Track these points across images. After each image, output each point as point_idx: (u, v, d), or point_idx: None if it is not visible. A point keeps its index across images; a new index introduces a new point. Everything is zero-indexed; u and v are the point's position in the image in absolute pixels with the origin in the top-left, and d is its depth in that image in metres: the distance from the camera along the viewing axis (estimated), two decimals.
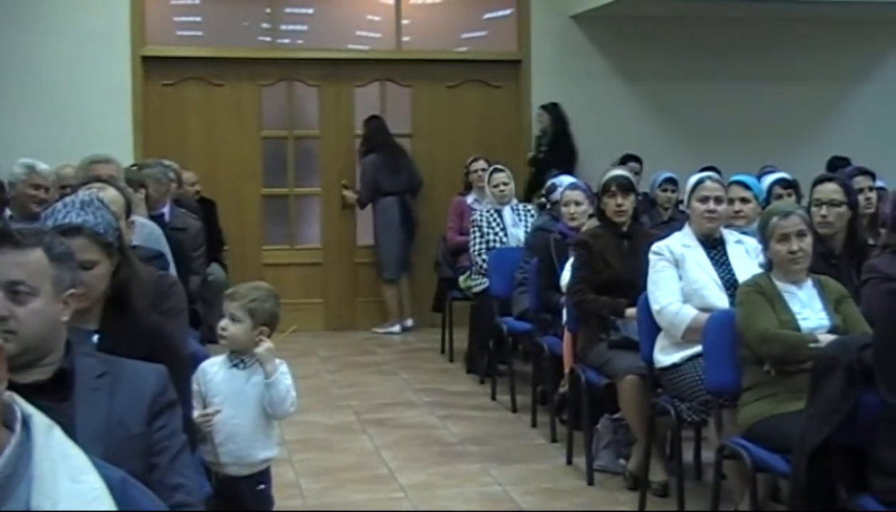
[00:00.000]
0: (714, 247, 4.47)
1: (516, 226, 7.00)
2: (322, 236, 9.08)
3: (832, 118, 9.56)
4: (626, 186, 4.99)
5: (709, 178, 4.53)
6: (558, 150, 8.63)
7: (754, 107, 9.30)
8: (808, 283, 3.83)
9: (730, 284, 4.34)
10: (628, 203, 4.98)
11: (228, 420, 3.34)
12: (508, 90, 9.14)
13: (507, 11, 9.25)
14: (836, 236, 4.38)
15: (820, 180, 4.60)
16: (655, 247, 4.48)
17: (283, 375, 3.40)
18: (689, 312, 4.27)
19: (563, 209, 5.92)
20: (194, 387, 3.31)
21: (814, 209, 4.44)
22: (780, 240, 3.75)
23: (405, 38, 9.12)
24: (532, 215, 7.05)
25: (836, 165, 7.74)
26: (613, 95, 9.14)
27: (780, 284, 3.79)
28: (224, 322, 3.37)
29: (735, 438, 3.69)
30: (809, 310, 3.77)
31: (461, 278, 7.27)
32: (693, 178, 4.57)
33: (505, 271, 6.47)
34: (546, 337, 5.64)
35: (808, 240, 3.77)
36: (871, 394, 3.12)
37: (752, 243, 4.49)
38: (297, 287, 8.72)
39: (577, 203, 5.86)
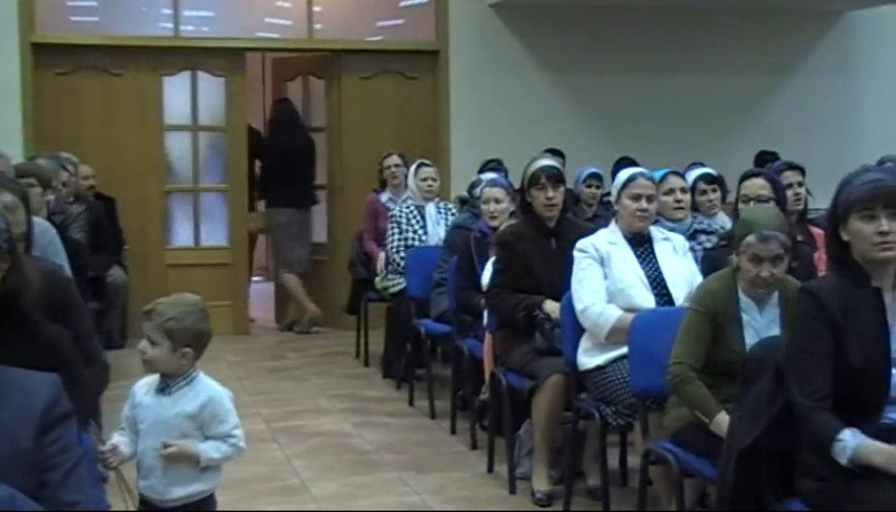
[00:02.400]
0: (641, 244, 4.47)
1: (439, 224, 7.00)
2: (229, 235, 8.99)
3: (760, 112, 9.73)
4: (556, 177, 4.87)
5: (641, 175, 4.49)
6: None
7: (680, 100, 9.44)
8: (773, 301, 3.68)
9: (656, 282, 4.38)
10: (559, 196, 4.88)
11: (149, 452, 3.16)
12: (426, 82, 9.14)
13: None
14: None
15: (747, 176, 4.67)
16: (580, 244, 4.47)
17: (216, 450, 3.18)
18: (614, 313, 4.29)
19: (483, 207, 5.90)
20: (125, 411, 3.20)
21: (741, 206, 4.50)
22: (751, 259, 3.59)
23: (317, 27, 9.05)
24: (454, 214, 7.06)
25: (765, 160, 7.89)
26: (535, 87, 9.19)
27: (742, 298, 3.65)
28: (143, 344, 3.16)
29: (662, 443, 3.72)
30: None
31: (377, 279, 7.25)
32: (623, 175, 4.52)
33: (423, 271, 6.46)
34: (466, 339, 5.65)
35: (783, 266, 3.58)
36: None
37: (680, 241, 4.55)
38: (202, 289, 8.45)
39: (498, 201, 5.84)
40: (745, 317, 3.64)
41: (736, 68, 9.56)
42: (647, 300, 4.30)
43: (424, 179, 7.07)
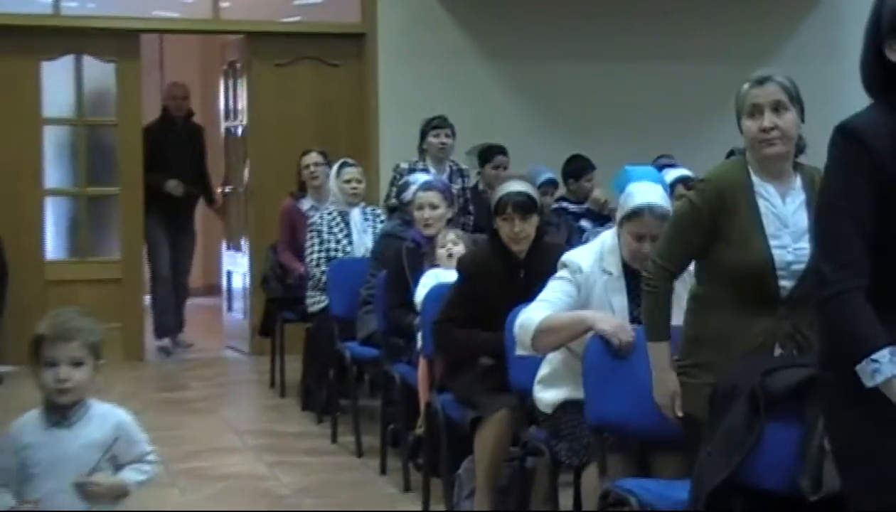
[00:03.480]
0: (639, 279, 3.99)
1: (365, 232, 7.00)
2: (122, 247, 8.91)
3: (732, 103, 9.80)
4: (525, 207, 4.70)
5: (649, 210, 4.00)
6: None
7: (642, 90, 9.48)
8: (797, 181, 3.60)
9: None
10: (528, 227, 4.72)
11: (56, 495, 3.11)
12: (350, 69, 9.13)
13: None
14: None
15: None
16: (567, 258, 4.20)
17: (140, 473, 3.22)
18: (540, 314, 4.05)
19: (417, 213, 5.89)
20: (8, 461, 3.13)
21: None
22: (750, 113, 3.54)
23: (224, 5, 9.02)
24: (382, 220, 7.06)
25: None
26: (476, 76, 9.21)
27: (756, 181, 3.54)
28: (63, 371, 3.10)
29: (622, 482, 3.72)
30: (791, 231, 3.52)
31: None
32: (629, 202, 4.05)
33: (347, 287, 6.44)
34: (397, 365, 5.62)
35: (790, 116, 3.51)
36: (778, 427, 3.19)
37: (687, 286, 4.05)
38: (90, 309, 8.44)
39: (433, 206, 5.83)
40: (762, 206, 3.53)
41: (706, 55, 9.63)
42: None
43: (348, 181, 7.05)
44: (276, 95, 9.00)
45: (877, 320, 2.55)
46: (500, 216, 4.73)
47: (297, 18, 9.29)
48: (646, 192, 4.05)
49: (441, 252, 5.53)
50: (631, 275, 4.07)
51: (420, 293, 5.29)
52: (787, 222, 3.54)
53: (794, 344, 3.49)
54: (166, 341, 9.13)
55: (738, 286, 3.50)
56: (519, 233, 4.71)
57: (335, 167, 7.19)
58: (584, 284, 4.10)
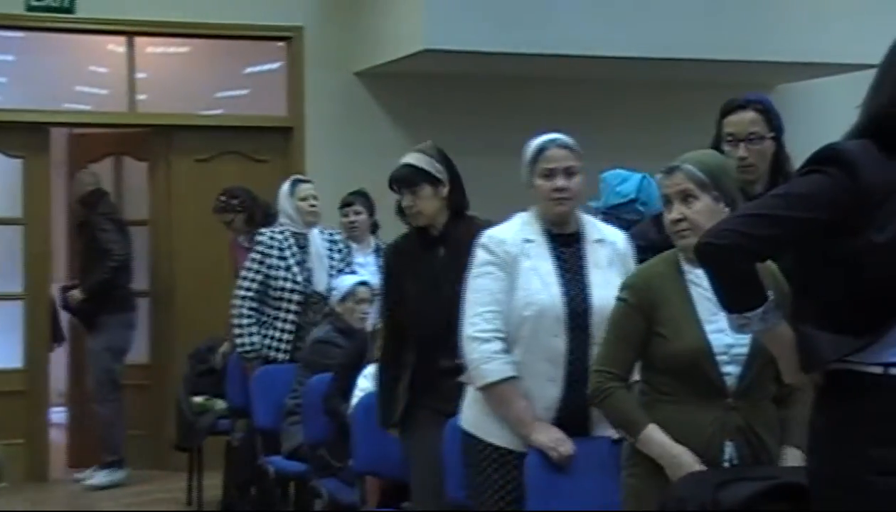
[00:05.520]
0: (567, 243, 4.10)
1: (326, 258, 6.62)
2: (25, 355, 8.62)
3: None
4: (408, 180, 4.56)
5: (553, 143, 4.09)
6: None
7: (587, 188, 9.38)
8: None
9: (577, 307, 3.99)
10: (420, 202, 4.56)
11: None
12: (276, 165, 8.93)
13: (276, 65, 9.16)
14: (757, 183, 4.16)
15: (731, 109, 4.32)
16: (483, 237, 4.11)
17: None
18: (499, 372, 3.95)
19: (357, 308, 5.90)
20: None
21: (727, 148, 4.16)
22: (665, 204, 3.55)
23: (140, 97, 8.84)
24: (347, 250, 6.75)
25: None
26: None
27: (687, 268, 3.50)
28: None
29: None
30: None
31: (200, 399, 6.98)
32: (531, 146, 4.17)
33: (272, 395, 6.24)
34: (326, 481, 5.50)
35: (700, 205, 3.47)
36: None
37: (621, 245, 4.16)
38: None
39: (365, 300, 5.97)
40: (694, 292, 3.47)
41: (656, 149, 9.45)
42: (556, 335, 3.95)
43: (304, 198, 6.67)
44: (196, 191, 8.76)
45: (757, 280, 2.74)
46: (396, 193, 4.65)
47: (219, 111, 9.15)
48: (543, 136, 4.14)
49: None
50: (554, 238, 4.09)
51: (362, 386, 5.17)
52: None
53: (745, 441, 3.40)
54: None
55: (680, 378, 3.44)
56: (410, 207, 4.56)
57: (286, 186, 6.77)
58: (508, 259, 4.03)
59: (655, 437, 3.40)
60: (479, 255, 4.08)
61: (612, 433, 3.81)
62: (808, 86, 9.97)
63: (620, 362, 3.54)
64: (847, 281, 2.67)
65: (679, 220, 3.46)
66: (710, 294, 3.33)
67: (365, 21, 8.89)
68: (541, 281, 4.00)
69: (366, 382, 5.26)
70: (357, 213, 7.14)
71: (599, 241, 4.14)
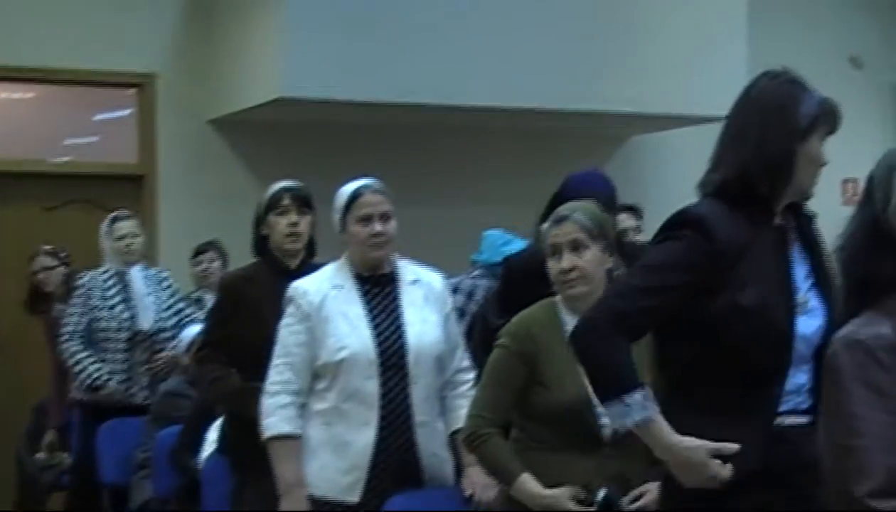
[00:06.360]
0: (381, 285, 4.15)
1: (149, 297, 6.50)
2: None
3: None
4: (303, 200, 4.63)
5: (367, 188, 4.16)
6: None
7: (447, 235, 9.34)
8: None
9: (392, 347, 4.02)
10: (305, 224, 4.62)
11: None
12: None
13: (126, 112, 9.00)
14: None
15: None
16: (290, 289, 4.13)
17: None
18: (277, 426, 3.99)
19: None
20: None
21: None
22: (551, 253, 3.58)
23: None
24: (168, 285, 6.62)
25: None
26: None
27: (567, 320, 3.52)
28: None
29: None
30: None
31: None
32: (344, 192, 4.21)
33: (119, 448, 6.13)
34: None
35: (590, 254, 3.54)
36: None
37: (437, 286, 4.22)
38: None
39: None
40: None
41: (515, 197, 9.56)
42: (369, 378, 3.97)
43: (121, 237, 6.57)
44: (42, 241, 8.54)
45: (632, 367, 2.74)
46: (275, 210, 4.61)
47: (67, 158, 8.93)
48: (355, 182, 4.20)
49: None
50: (364, 281, 4.11)
51: (212, 436, 5.09)
52: None
53: (621, 488, 3.45)
54: None
55: (559, 427, 3.48)
56: (296, 224, 4.56)
57: (105, 224, 6.68)
58: (311, 310, 4.04)
59: (529, 486, 3.44)
60: (286, 306, 4.11)
61: (444, 476, 3.95)
62: (660, 138, 10.19)
63: (497, 408, 3.57)
64: (704, 348, 2.75)
65: (569, 270, 3.50)
66: None
67: (219, 69, 8.82)
68: (349, 325, 4.02)
69: (215, 435, 5.15)
70: (211, 260, 7.10)
71: (415, 281, 4.18)
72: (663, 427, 2.74)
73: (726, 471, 2.69)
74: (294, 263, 4.62)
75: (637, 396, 2.70)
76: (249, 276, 4.69)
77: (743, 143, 2.81)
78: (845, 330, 2.18)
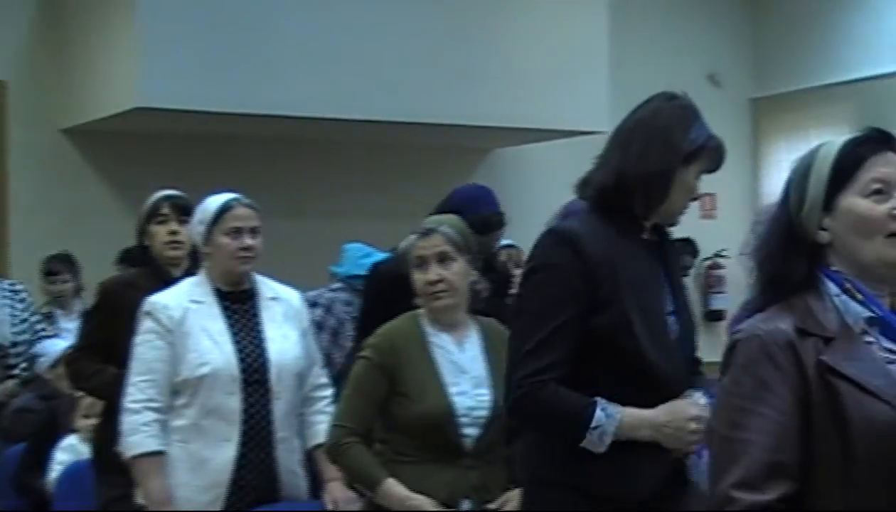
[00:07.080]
0: (240, 301, 4.14)
1: (4, 308, 6.33)
2: None
3: None
4: (183, 208, 4.54)
5: (238, 202, 4.16)
6: None
7: (303, 247, 9.27)
8: (472, 332, 3.68)
9: (255, 363, 4.01)
10: (184, 233, 4.53)
11: None
12: None
13: None
14: None
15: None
16: (147, 304, 4.07)
17: None
18: (144, 444, 3.94)
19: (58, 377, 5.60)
20: None
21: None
22: (417, 265, 3.60)
23: None
24: (23, 299, 6.44)
25: None
26: (121, 233, 8.78)
27: (430, 331, 3.60)
28: None
29: None
30: (470, 377, 3.60)
31: None
32: (212, 204, 4.17)
33: None
34: None
35: (457, 266, 3.60)
36: None
37: (295, 302, 4.24)
38: None
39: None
40: (438, 354, 3.59)
41: (375, 210, 9.58)
42: (230, 394, 3.95)
43: None
44: None
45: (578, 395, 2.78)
46: (155, 219, 4.55)
47: None
48: (223, 195, 4.18)
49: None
50: (224, 297, 4.09)
51: (60, 457, 4.97)
52: (465, 369, 3.58)
53: (481, 499, 3.50)
54: None
55: (421, 438, 3.51)
56: (177, 234, 4.51)
57: None
58: (171, 325, 3.96)
59: (394, 490, 3.46)
60: (142, 321, 4.05)
61: (300, 493, 3.95)
62: (520, 151, 10.28)
63: (359, 418, 3.58)
64: (606, 358, 2.81)
65: (436, 282, 3.55)
66: (453, 357, 3.56)
67: (72, 77, 8.64)
68: (212, 340, 4.00)
69: (64, 455, 5.03)
70: (64, 281, 6.96)
71: (274, 298, 4.19)
72: (634, 415, 2.80)
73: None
74: (178, 272, 4.55)
75: (598, 415, 2.76)
76: (131, 282, 4.61)
77: (626, 153, 2.87)
78: (747, 323, 2.20)
